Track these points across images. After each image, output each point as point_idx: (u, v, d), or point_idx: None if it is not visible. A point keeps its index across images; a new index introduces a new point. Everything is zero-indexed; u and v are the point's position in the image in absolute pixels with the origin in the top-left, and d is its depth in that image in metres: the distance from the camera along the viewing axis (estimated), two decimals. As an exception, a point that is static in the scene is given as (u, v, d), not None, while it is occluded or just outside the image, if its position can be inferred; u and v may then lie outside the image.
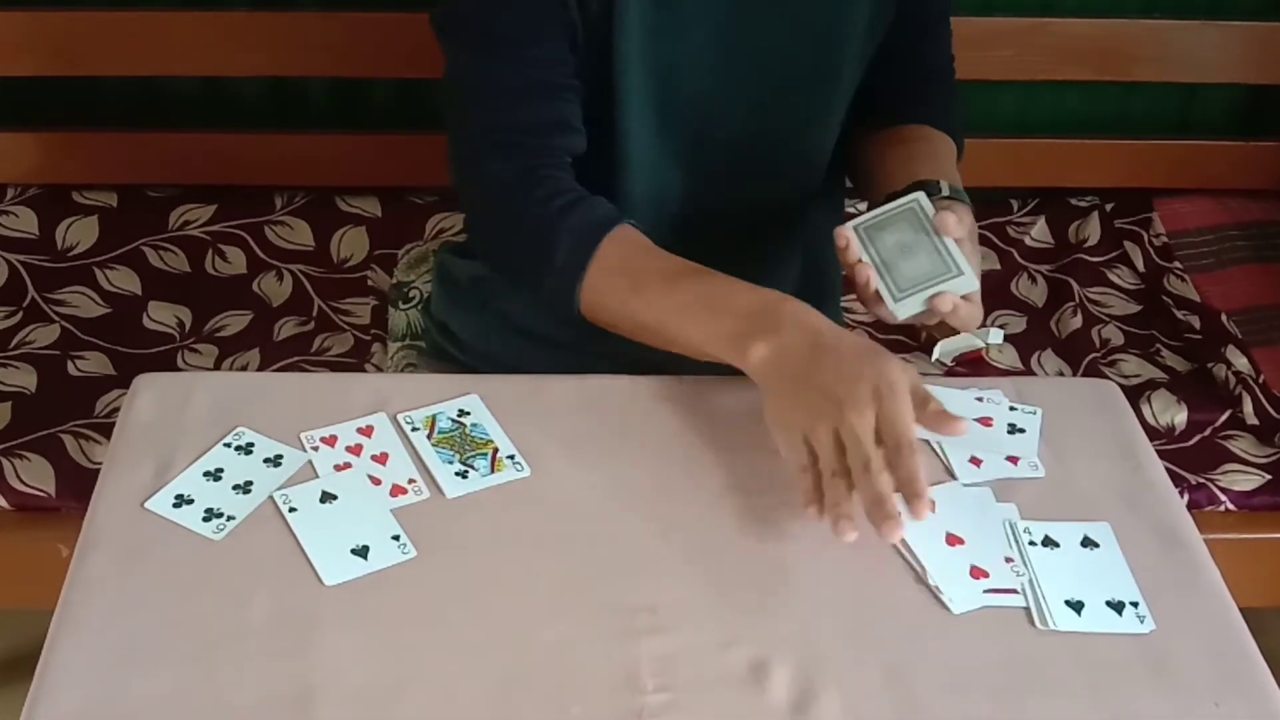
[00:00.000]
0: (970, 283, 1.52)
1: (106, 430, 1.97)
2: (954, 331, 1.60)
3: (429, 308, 2.08)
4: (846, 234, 1.55)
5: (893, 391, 1.41)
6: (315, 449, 1.52)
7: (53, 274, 2.63)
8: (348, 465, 1.51)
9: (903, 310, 1.54)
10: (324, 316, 2.59)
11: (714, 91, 1.74)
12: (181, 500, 1.46)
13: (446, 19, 1.71)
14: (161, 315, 2.56)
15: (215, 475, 1.49)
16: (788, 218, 1.89)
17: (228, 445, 1.52)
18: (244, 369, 2.44)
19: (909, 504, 1.38)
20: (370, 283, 2.65)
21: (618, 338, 1.61)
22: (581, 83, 1.70)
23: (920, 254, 1.53)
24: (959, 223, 1.54)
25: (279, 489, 1.47)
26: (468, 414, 1.57)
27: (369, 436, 1.54)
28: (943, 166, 1.76)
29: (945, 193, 1.65)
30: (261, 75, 2.77)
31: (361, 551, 1.41)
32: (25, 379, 2.40)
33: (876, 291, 1.54)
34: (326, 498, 1.47)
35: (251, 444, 1.53)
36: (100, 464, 1.51)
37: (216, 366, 2.45)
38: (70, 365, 2.44)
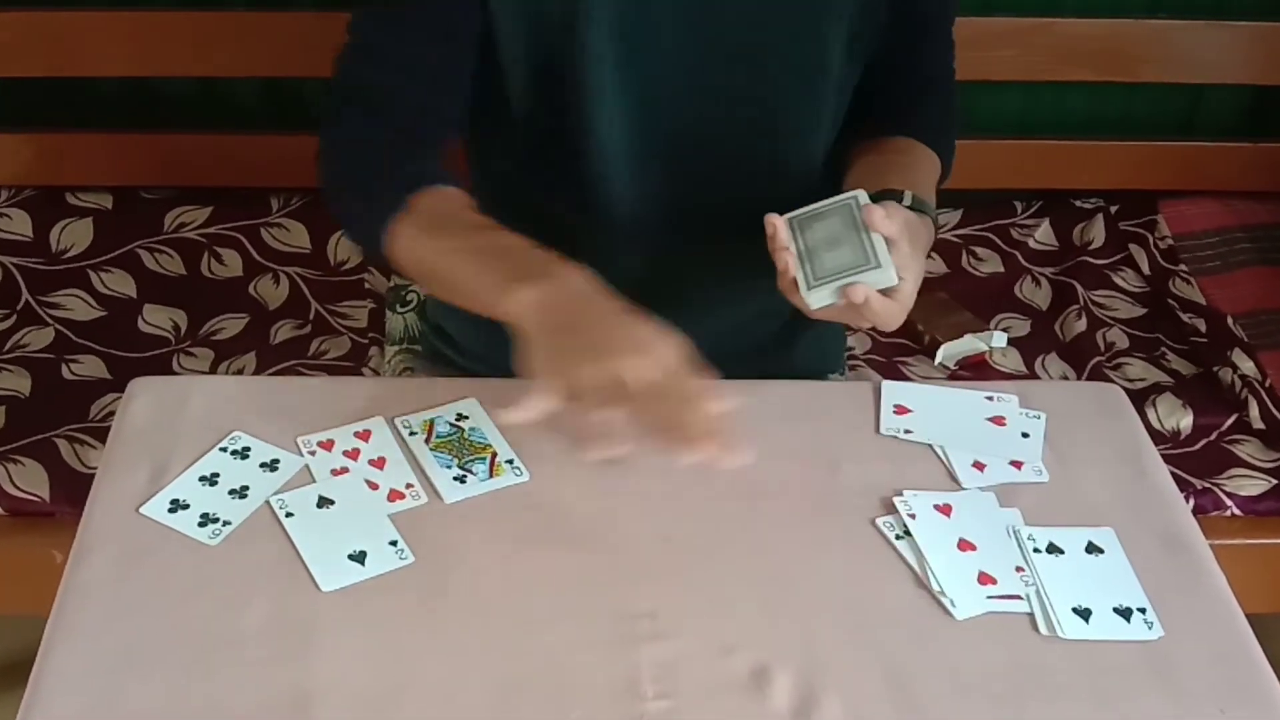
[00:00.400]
0: (886, 277, 1.48)
1: (101, 434, 1.97)
2: (958, 335, 1.60)
3: (425, 311, 2.08)
4: (776, 221, 1.52)
5: (647, 347, 1.39)
6: (312, 453, 1.52)
7: (47, 276, 2.63)
8: (345, 470, 1.51)
9: (814, 299, 1.50)
10: (321, 320, 2.59)
11: (690, 88, 1.72)
12: (177, 505, 1.46)
13: None
14: (157, 318, 2.57)
15: (211, 480, 1.49)
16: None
17: (224, 450, 1.52)
18: (240, 373, 2.44)
19: (699, 445, 1.37)
20: (367, 285, 2.65)
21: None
22: (532, 91, 1.71)
23: (844, 246, 1.50)
24: (887, 218, 1.50)
25: (275, 494, 1.47)
26: (466, 418, 1.57)
27: (366, 441, 1.54)
28: (916, 179, 1.74)
29: (907, 203, 1.63)
30: (258, 76, 2.78)
31: (359, 557, 1.41)
32: (19, 383, 2.40)
33: (794, 280, 1.52)
34: (324, 502, 1.47)
35: (248, 448, 1.53)
36: (95, 469, 1.51)
37: (212, 370, 2.45)
38: (65, 369, 2.44)
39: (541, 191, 1.78)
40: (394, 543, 1.42)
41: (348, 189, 1.66)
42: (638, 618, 1.37)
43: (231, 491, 1.47)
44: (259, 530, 1.43)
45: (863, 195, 1.54)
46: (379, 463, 1.52)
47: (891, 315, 1.51)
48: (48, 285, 2.61)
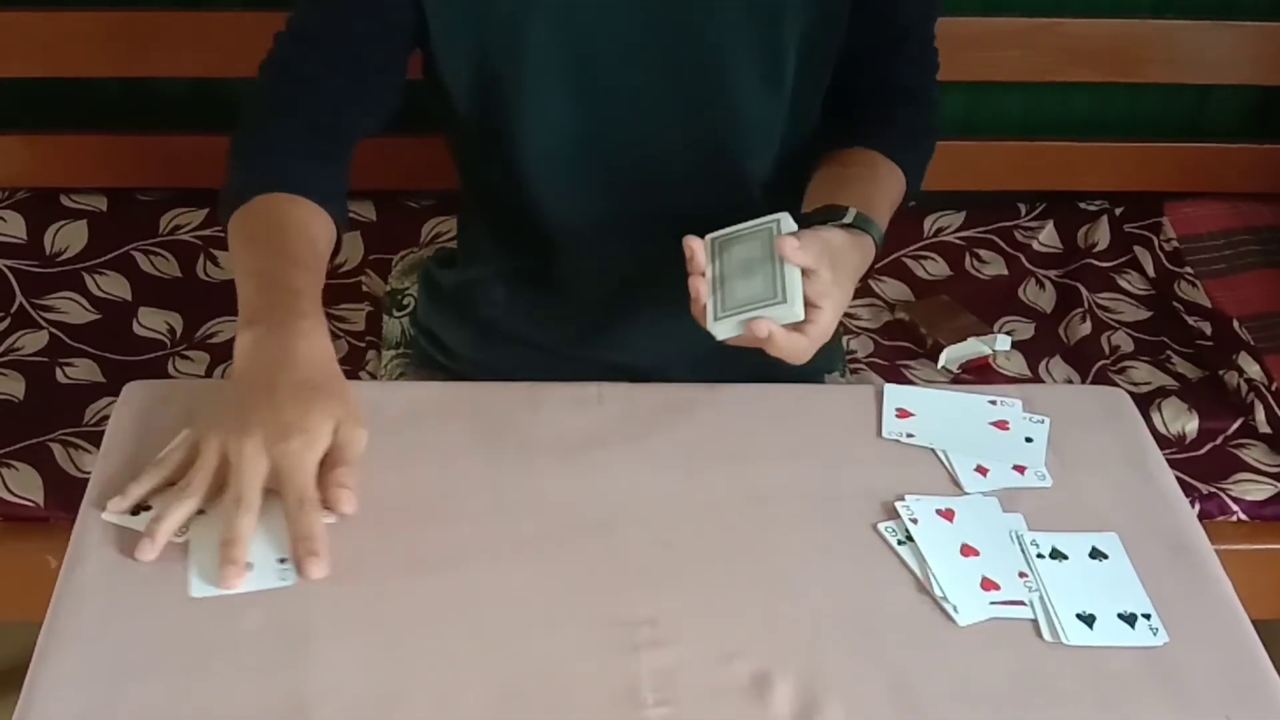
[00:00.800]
0: (792, 312, 1.46)
1: (96, 439, 1.97)
2: (961, 338, 1.59)
3: (417, 316, 2.09)
4: (693, 245, 1.51)
5: (310, 441, 1.41)
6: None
7: (41, 279, 2.63)
8: None
9: (719, 330, 1.49)
10: (318, 323, 2.59)
11: (638, 90, 1.72)
12: (138, 506, 1.46)
13: None
14: (152, 321, 2.57)
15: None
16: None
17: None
18: (236, 376, 2.44)
19: (302, 562, 1.38)
20: (365, 288, 2.65)
21: (607, 344, 1.60)
22: (473, 84, 1.72)
23: (756, 276, 1.49)
24: (801, 248, 1.48)
25: None
26: None
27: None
28: (870, 196, 1.72)
29: (848, 219, 1.63)
30: (254, 76, 2.77)
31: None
32: (13, 386, 2.40)
33: (705, 307, 1.51)
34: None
35: None
36: (89, 473, 1.51)
37: (208, 374, 2.45)
38: (59, 373, 2.44)
39: (484, 197, 1.77)
40: (282, 560, 1.40)
41: (234, 158, 1.70)
42: (637, 624, 1.37)
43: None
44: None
45: (786, 220, 1.52)
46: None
47: (797, 351, 1.51)
48: (42, 288, 2.61)
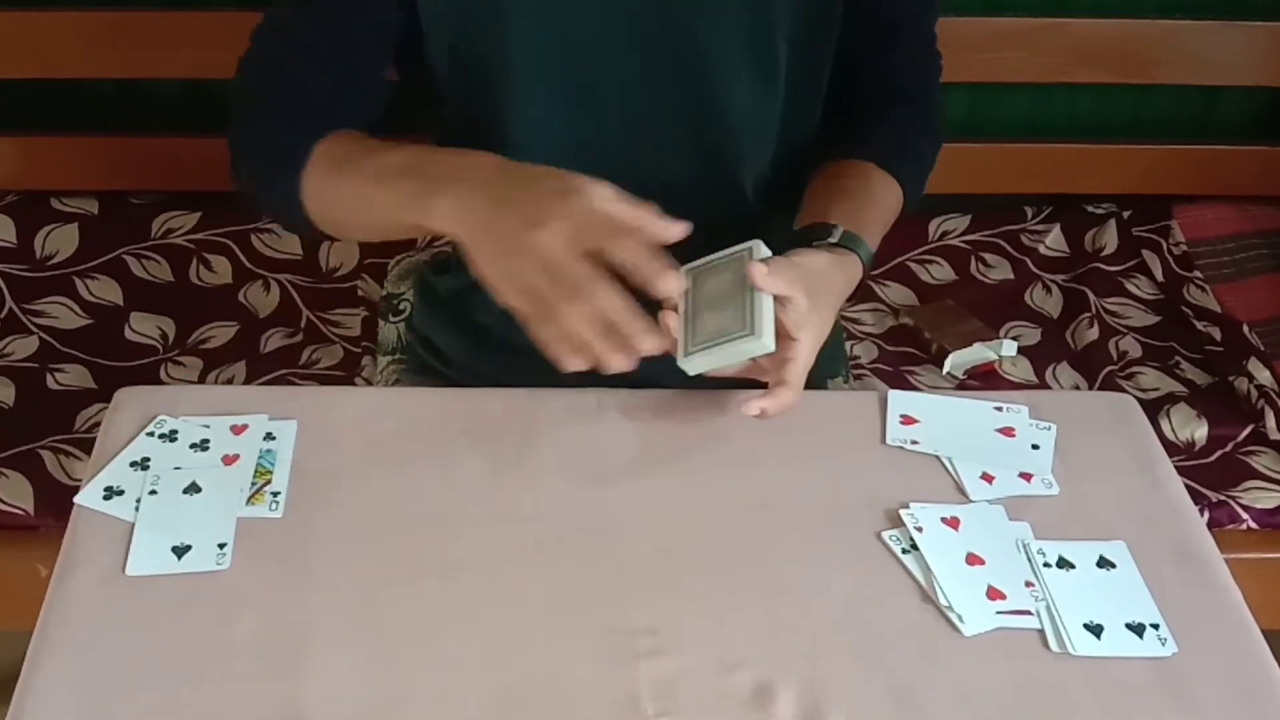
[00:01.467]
0: (761, 345, 1.45)
1: (87, 446, 1.97)
2: (966, 343, 1.59)
3: (412, 322, 2.08)
4: (670, 282, 1.45)
5: (576, 190, 1.40)
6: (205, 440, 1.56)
7: (31, 284, 2.63)
8: (236, 458, 1.53)
9: (689, 367, 1.48)
10: (313, 328, 2.59)
11: (626, 82, 1.71)
12: (111, 492, 1.48)
13: None
14: (144, 327, 2.57)
15: (143, 464, 1.51)
16: (732, 230, 1.73)
17: (150, 434, 1.55)
18: (229, 382, 2.44)
19: (655, 284, 1.38)
20: (361, 293, 2.65)
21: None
22: (458, 83, 1.71)
23: (728, 307, 1.47)
24: (772, 275, 1.47)
25: (156, 473, 1.50)
26: (274, 438, 1.57)
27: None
28: (862, 213, 1.72)
29: (834, 239, 1.63)
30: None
31: (181, 550, 1.42)
32: (2, 392, 2.40)
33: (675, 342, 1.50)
34: (192, 489, 1.49)
35: (175, 431, 1.55)
36: (80, 481, 1.51)
37: (201, 380, 2.45)
38: (49, 378, 2.44)
39: None
40: (222, 545, 1.43)
41: (255, 161, 1.67)
42: (637, 633, 1.37)
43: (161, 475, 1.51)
44: (249, 542, 1.43)
45: (759, 247, 1.51)
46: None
47: (786, 406, 1.52)
48: (32, 293, 2.61)
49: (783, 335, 1.49)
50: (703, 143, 1.76)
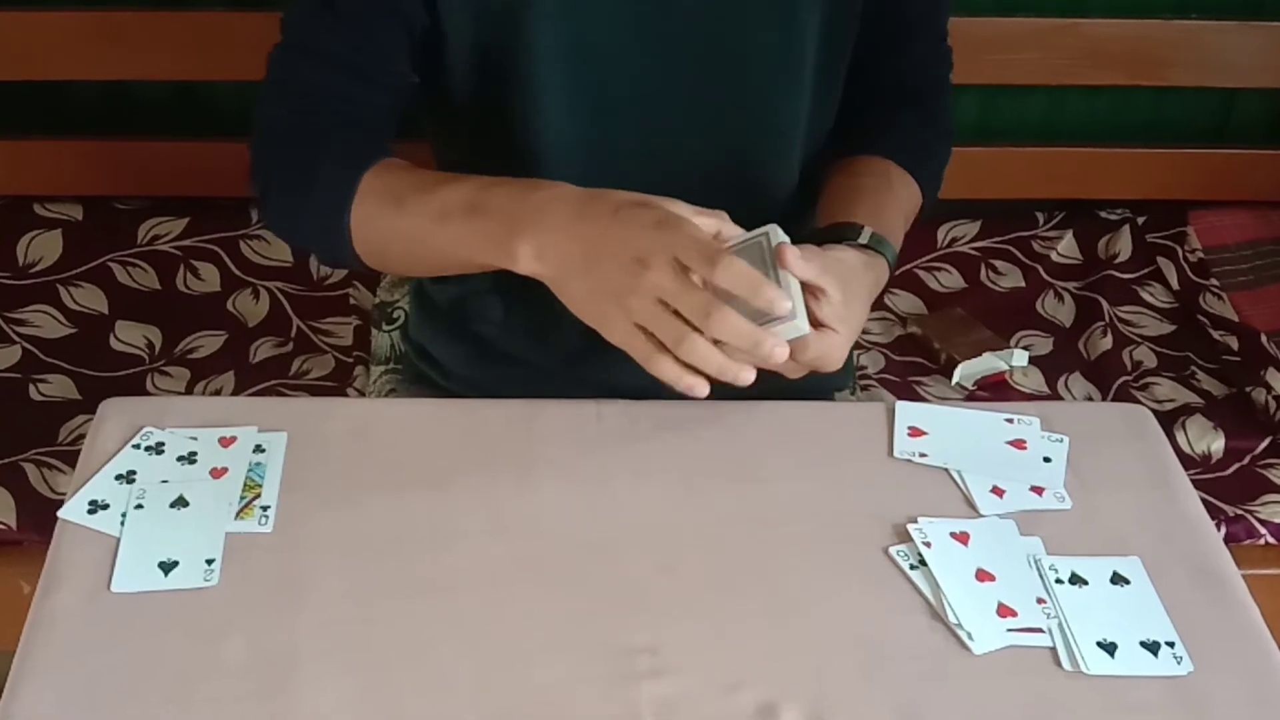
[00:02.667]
0: (797, 328, 1.43)
1: (71, 458, 1.97)
2: (976, 353, 1.59)
3: (408, 331, 2.08)
4: None
5: (671, 221, 1.41)
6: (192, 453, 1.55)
7: (13, 292, 2.63)
8: (224, 471, 1.53)
9: None
10: (303, 337, 2.59)
11: (650, 83, 1.71)
12: (96, 506, 1.48)
13: None
14: (130, 336, 2.57)
15: (128, 478, 1.51)
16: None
17: (136, 447, 1.55)
18: (218, 393, 2.44)
19: (772, 308, 1.38)
20: (352, 301, 2.65)
21: (605, 363, 1.59)
22: (473, 87, 1.71)
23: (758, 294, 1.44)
24: (803, 259, 1.46)
25: (140, 486, 1.50)
26: (264, 450, 1.57)
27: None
28: (884, 211, 1.72)
29: (863, 240, 1.63)
30: (237, 80, 2.77)
31: (168, 566, 1.42)
32: (-16, 404, 2.40)
33: None
34: (179, 503, 1.49)
35: (161, 443, 1.55)
36: (64, 494, 1.51)
37: (188, 391, 2.45)
38: (32, 389, 2.44)
39: None
40: (210, 561, 1.43)
41: (290, 190, 1.66)
42: (637, 652, 1.37)
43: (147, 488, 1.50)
44: (238, 558, 1.43)
45: (775, 231, 1.49)
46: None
47: (795, 369, 1.51)
48: (14, 301, 2.61)
49: (819, 326, 1.49)
50: (728, 146, 1.76)
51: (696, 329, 1.39)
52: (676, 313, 1.39)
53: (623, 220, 1.43)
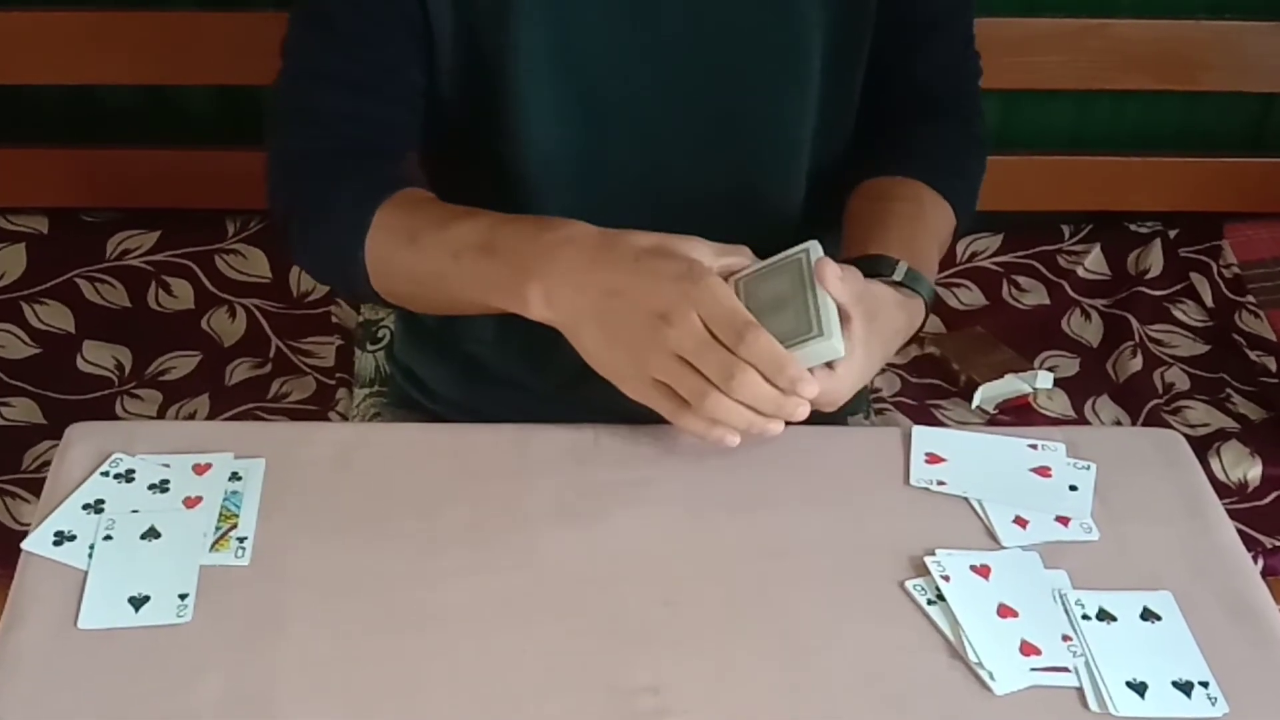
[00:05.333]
0: (830, 348, 1.43)
1: (36, 486, 1.97)
2: (998, 375, 1.59)
3: (394, 352, 2.08)
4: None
5: (695, 273, 1.42)
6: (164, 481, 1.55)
7: (-26, 309, 2.64)
8: (198, 500, 1.53)
9: None
10: (282, 358, 2.60)
11: (643, 87, 1.72)
12: (62, 537, 1.48)
13: None
14: (98, 356, 2.58)
15: (96, 507, 1.51)
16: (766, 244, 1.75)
17: (105, 474, 1.55)
18: (191, 417, 2.45)
19: (794, 388, 1.40)
20: (335, 320, 2.66)
21: (606, 388, 1.60)
22: (460, 94, 1.72)
23: (789, 310, 1.46)
24: (841, 279, 1.46)
25: (109, 516, 1.50)
26: (240, 478, 1.57)
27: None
28: (917, 241, 1.70)
29: (897, 277, 1.62)
30: (211, 84, 2.79)
31: (139, 601, 1.42)
32: (-57, 428, 2.41)
33: None
34: (150, 534, 1.49)
35: (132, 470, 1.55)
36: (28, 525, 1.52)
37: (160, 415, 2.46)
38: (-6, 413, 2.45)
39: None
40: (183, 596, 1.43)
41: (309, 225, 1.67)
42: (637, 691, 1.37)
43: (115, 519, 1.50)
44: (213, 593, 1.44)
45: (815, 248, 1.50)
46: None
47: (832, 394, 1.49)
48: (-25, 319, 2.62)
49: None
50: (726, 157, 1.76)
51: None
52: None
53: (643, 271, 1.44)
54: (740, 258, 1.48)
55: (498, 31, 1.66)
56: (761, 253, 1.52)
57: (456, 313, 1.68)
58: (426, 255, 1.57)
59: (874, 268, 1.61)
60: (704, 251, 1.46)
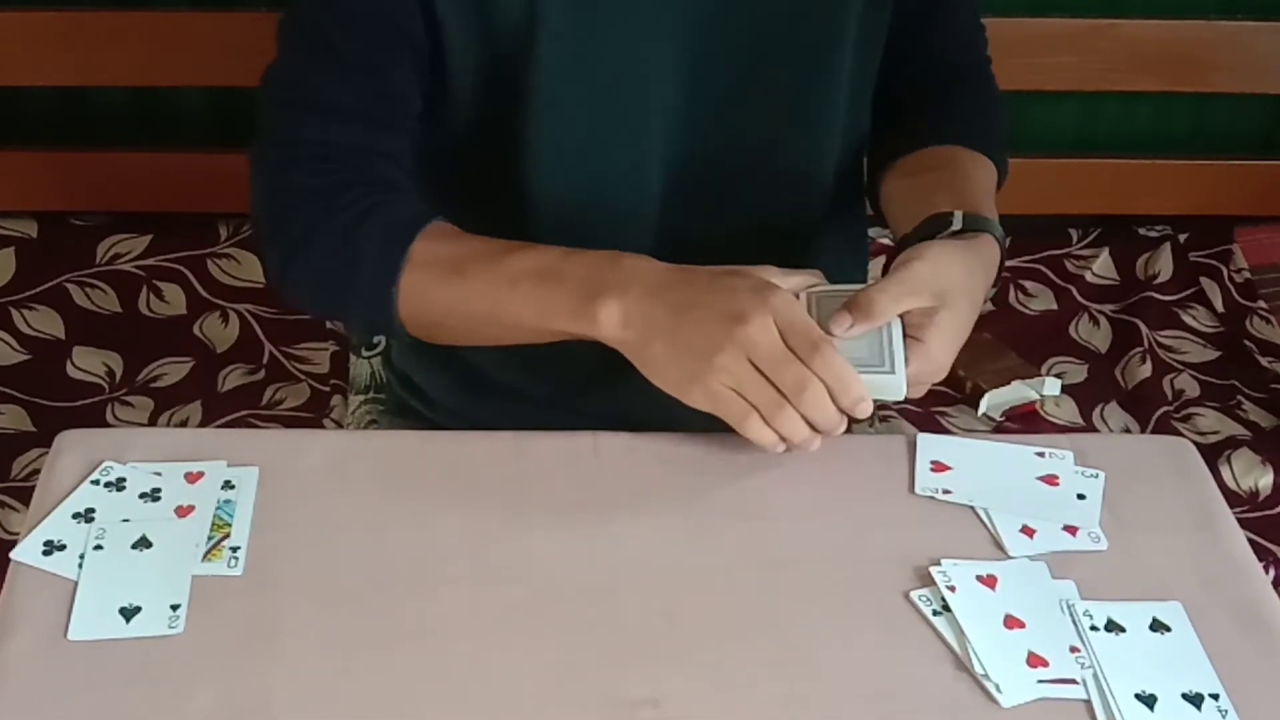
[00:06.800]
0: (894, 386, 1.53)
1: (25, 495, 1.98)
2: (1004, 381, 1.60)
3: (390, 358, 2.08)
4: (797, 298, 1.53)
5: (770, 288, 1.47)
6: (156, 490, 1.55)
7: (-38, 315, 2.64)
8: (190, 509, 1.53)
9: None
10: (276, 364, 2.60)
11: (672, 115, 1.73)
12: (51, 547, 1.48)
13: (289, 18, 1.71)
14: (88, 363, 2.58)
15: (86, 516, 1.51)
16: (790, 246, 1.82)
17: (95, 483, 1.55)
18: (183, 425, 2.45)
19: (853, 410, 1.47)
20: (329, 325, 2.66)
21: (609, 398, 1.61)
22: (475, 112, 1.73)
23: (863, 337, 1.52)
24: (888, 297, 1.52)
25: (100, 525, 1.50)
26: (233, 486, 1.57)
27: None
28: (966, 193, 1.72)
29: (956, 226, 1.64)
30: (203, 85, 2.79)
31: (130, 612, 1.42)
32: (-70, 436, 2.41)
33: None
34: (141, 544, 1.49)
35: (123, 479, 1.55)
36: (17, 534, 1.52)
37: (152, 422, 2.46)
38: (-18, 420, 2.45)
39: (476, 227, 1.76)
40: (175, 607, 1.42)
41: (327, 263, 1.65)
42: (638, 704, 1.37)
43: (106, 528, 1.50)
44: (205, 603, 1.44)
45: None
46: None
47: (925, 378, 1.57)
48: (-37, 325, 2.62)
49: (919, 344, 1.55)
50: (756, 178, 1.78)
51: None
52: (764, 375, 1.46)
53: (719, 286, 1.49)
54: (810, 277, 1.54)
55: (522, 50, 1.66)
56: (759, 258, 1.55)
57: (504, 343, 1.67)
58: (474, 287, 1.59)
59: (931, 228, 1.64)
60: (774, 273, 1.52)
